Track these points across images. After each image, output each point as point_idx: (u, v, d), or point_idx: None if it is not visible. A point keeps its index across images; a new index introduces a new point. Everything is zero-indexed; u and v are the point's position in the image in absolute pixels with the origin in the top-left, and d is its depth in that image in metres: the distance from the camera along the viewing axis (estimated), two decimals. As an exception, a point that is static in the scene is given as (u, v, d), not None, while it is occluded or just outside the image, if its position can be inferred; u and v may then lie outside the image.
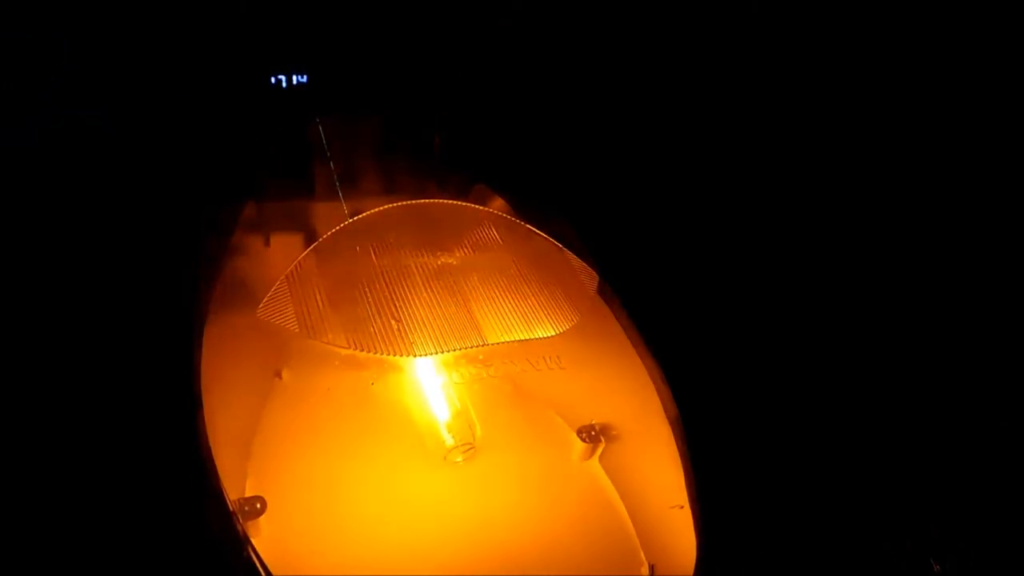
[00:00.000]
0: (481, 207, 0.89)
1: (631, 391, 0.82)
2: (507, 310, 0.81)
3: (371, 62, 0.99)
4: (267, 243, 0.89)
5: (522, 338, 0.79)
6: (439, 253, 0.84)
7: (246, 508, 0.69)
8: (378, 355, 0.75)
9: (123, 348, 0.71)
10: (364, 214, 0.84)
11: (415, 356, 0.76)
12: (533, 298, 0.82)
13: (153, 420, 0.66)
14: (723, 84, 1.06)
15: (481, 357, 0.80)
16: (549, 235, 0.88)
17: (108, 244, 0.78)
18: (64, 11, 0.88)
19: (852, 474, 0.77)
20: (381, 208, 0.84)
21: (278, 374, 0.83)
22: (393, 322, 0.77)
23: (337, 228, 0.83)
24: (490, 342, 0.78)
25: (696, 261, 0.92)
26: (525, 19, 1.02)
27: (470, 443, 0.79)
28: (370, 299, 0.78)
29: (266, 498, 0.70)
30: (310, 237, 0.86)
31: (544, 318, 0.81)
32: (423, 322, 0.77)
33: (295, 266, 0.80)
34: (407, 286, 0.80)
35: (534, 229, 0.89)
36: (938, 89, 1.00)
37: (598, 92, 1.05)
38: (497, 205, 0.91)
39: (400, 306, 0.78)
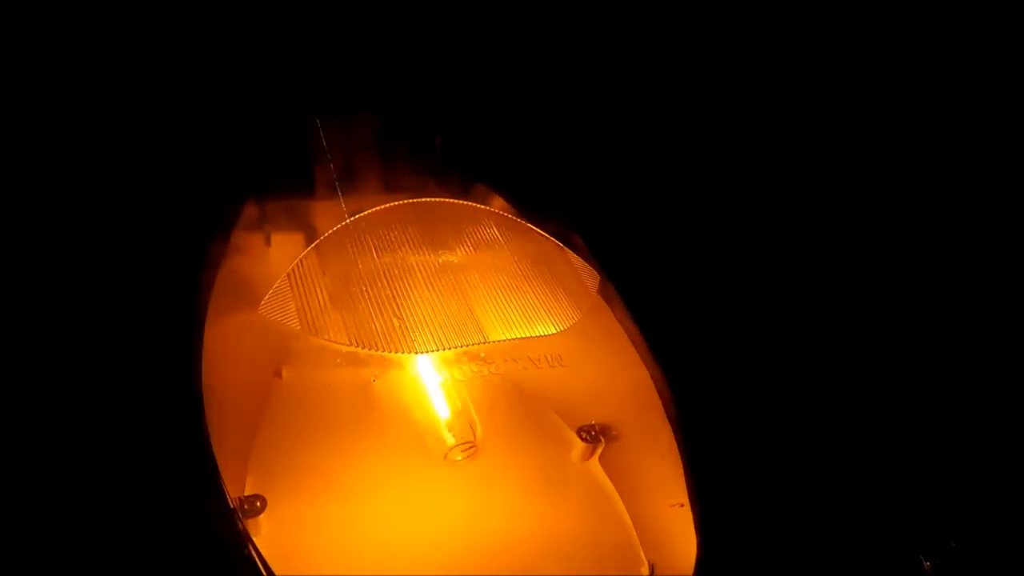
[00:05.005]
0: (482, 205, 0.90)
1: (631, 391, 0.83)
2: (508, 308, 0.81)
3: (371, 62, 0.99)
4: (268, 242, 0.89)
5: (523, 336, 0.79)
6: (440, 251, 0.84)
7: (246, 506, 0.69)
8: (379, 352, 0.75)
9: (123, 347, 0.71)
10: (365, 212, 0.84)
11: (416, 353, 0.76)
12: (534, 296, 0.83)
13: (154, 418, 0.66)
14: (724, 84, 1.06)
15: (482, 355, 0.80)
16: (550, 234, 0.89)
17: (107, 243, 0.78)
18: (63, 10, 0.88)
19: (851, 474, 0.77)
20: (382, 207, 0.85)
21: (278, 373, 0.83)
22: (394, 319, 0.77)
23: (338, 227, 0.83)
24: (491, 339, 0.78)
25: (698, 261, 0.92)
26: (525, 18, 1.02)
27: (471, 442, 0.79)
28: (371, 297, 0.78)
29: (266, 496, 0.70)
30: (311, 236, 0.86)
31: (545, 316, 0.81)
32: (424, 319, 0.77)
33: (296, 264, 0.80)
34: (408, 284, 0.80)
35: (535, 228, 0.89)
36: (939, 89, 1.01)
37: (599, 91, 1.05)
38: (498, 204, 0.92)
39: (401, 303, 0.78)
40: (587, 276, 0.88)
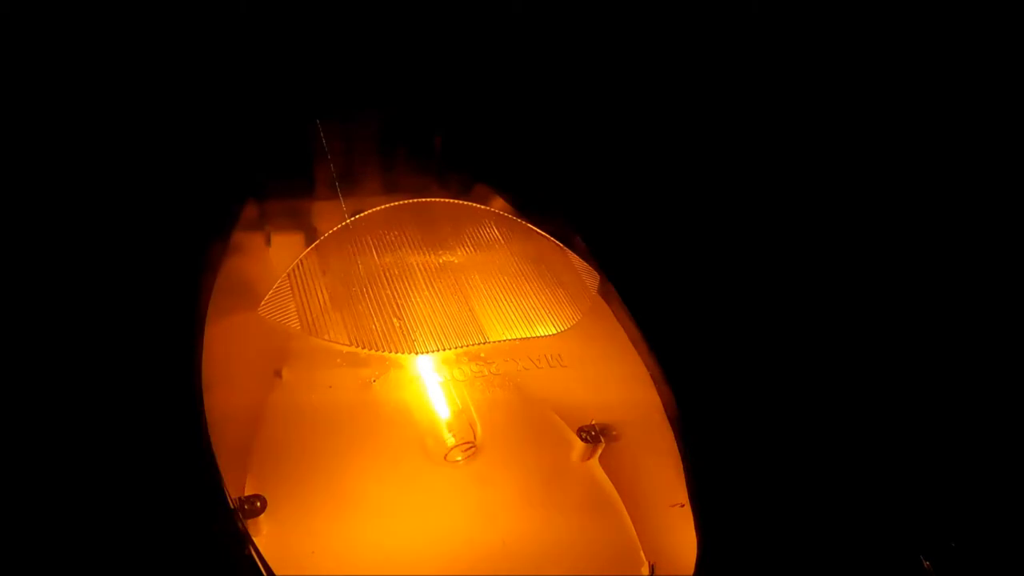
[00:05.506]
0: (482, 206, 0.90)
1: (631, 391, 0.83)
2: (508, 308, 0.81)
3: (371, 62, 0.99)
4: (268, 242, 0.89)
5: (523, 336, 0.79)
6: (441, 251, 0.84)
7: (246, 507, 0.69)
8: (379, 352, 0.75)
9: (123, 347, 0.71)
10: (365, 212, 0.84)
11: (416, 353, 0.76)
12: (534, 296, 0.83)
13: (154, 419, 0.66)
14: (723, 84, 1.06)
15: (483, 355, 0.80)
16: (550, 234, 0.89)
17: (107, 244, 0.78)
18: (63, 10, 0.88)
19: (850, 473, 0.77)
20: (382, 207, 0.85)
21: (278, 373, 0.83)
22: (395, 319, 0.77)
23: (339, 227, 0.83)
24: (491, 340, 0.78)
25: (697, 261, 0.92)
26: (525, 19, 1.02)
27: (471, 442, 0.79)
28: (371, 297, 0.78)
29: (266, 497, 0.70)
30: (311, 236, 0.86)
31: (545, 316, 0.82)
32: (425, 319, 0.77)
33: (296, 264, 0.80)
34: (409, 284, 0.80)
35: (535, 228, 0.89)
36: (938, 89, 1.01)
37: (599, 91, 1.05)
38: (498, 204, 0.92)
39: (402, 304, 0.78)
40: (587, 276, 0.88)
